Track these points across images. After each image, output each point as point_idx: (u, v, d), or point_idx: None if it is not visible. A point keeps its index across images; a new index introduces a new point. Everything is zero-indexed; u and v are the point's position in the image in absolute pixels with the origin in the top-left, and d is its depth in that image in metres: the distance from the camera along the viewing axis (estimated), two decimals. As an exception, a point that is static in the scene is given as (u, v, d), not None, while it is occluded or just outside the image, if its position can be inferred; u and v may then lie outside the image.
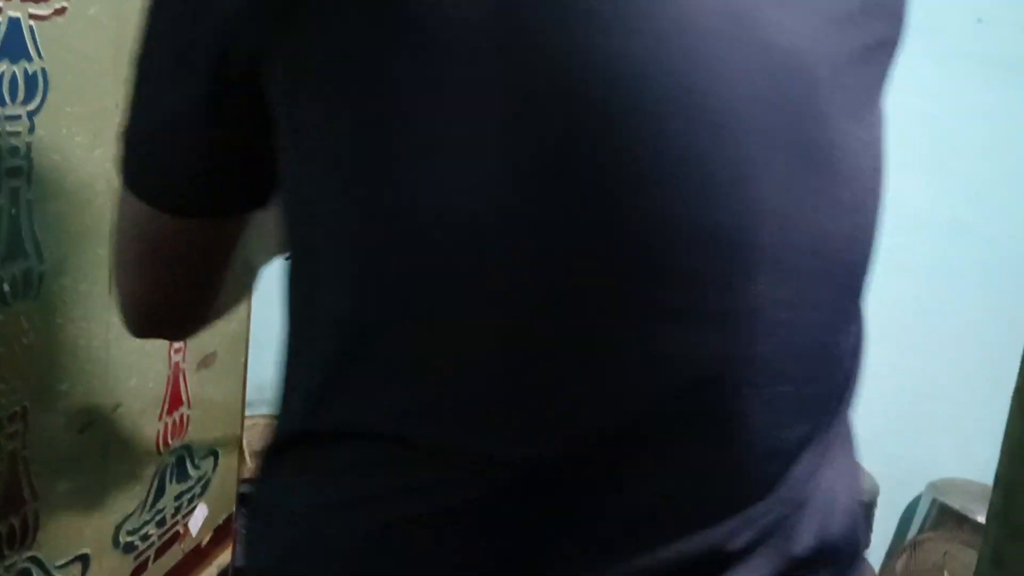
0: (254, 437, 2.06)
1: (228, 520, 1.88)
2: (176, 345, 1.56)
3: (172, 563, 1.66)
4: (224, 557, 1.89)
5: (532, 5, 0.52)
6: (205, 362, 1.68)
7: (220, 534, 1.85)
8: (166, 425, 1.57)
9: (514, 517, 0.58)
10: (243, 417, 1.92)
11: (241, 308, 1.81)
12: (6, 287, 1.11)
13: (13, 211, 1.11)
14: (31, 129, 1.11)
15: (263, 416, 2.17)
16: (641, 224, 0.54)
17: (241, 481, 1.92)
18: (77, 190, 1.23)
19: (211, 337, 1.69)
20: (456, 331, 0.57)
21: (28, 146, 1.11)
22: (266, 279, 1.99)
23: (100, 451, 1.38)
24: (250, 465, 1.97)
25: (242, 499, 1.94)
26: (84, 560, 1.37)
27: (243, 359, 1.86)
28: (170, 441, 1.59)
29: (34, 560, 1.25)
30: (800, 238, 0.59)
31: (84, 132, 1.21)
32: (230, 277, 0.84)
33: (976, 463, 1.94)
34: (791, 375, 0.60)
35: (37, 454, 1.21)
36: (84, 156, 1.22)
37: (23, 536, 1.22)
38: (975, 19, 2.03)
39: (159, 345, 1.52)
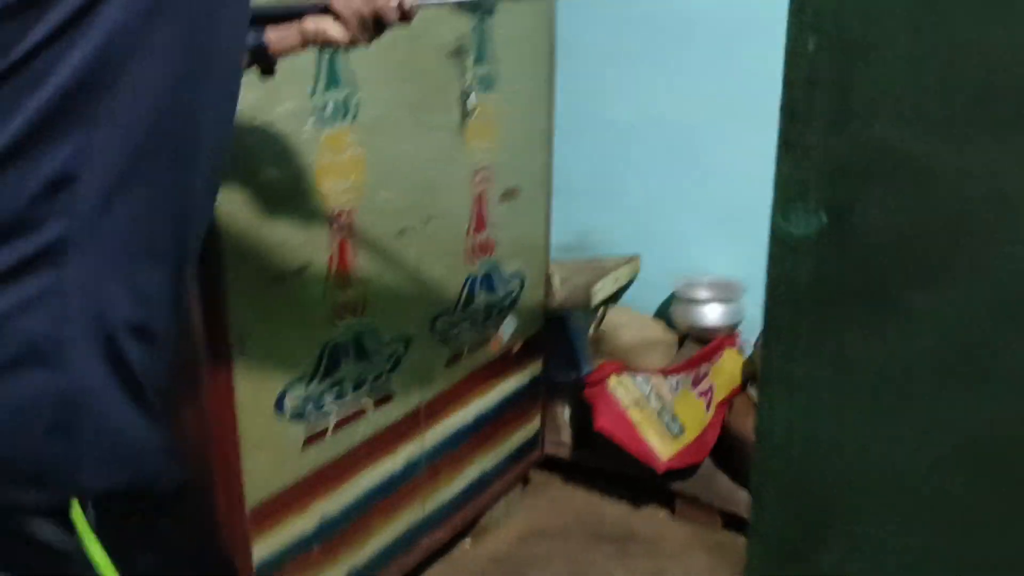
0: (566, 275, 2.32)
1: (538, 337, 2.19)
2: (480, 176, 1.87)
3: (485, 361, 2.01)
4: (535, 368, 2.21)
5: None
6: (508, 195, 1.97)
7: (531, 348, 2.17)
8: (473, 243, 1.89)
9: None
10: (547, 251, 2.20)
11: (542, 150, 2.07)
12: (329, 109, 1.46)
13: (330, 49, 1.45)
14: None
15: (575, 261, 2.43)
16: None
17: (547, 309, 2.22)
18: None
19: (514, 173, 1.97)
20: None
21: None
22: (565, 128, 2.23)
23: (415, 253, 1.73)
24: (560, 295, 2.25)
25: (548, 323, 2.23)
26: (406, 340, 1.75)
27: (545, 198, 2.13)
28: (476, 258, 1.91)
29: (365, 328, 1.64)
30: None
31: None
32: None
33: None
34: None
35: (361, 246, 1.58)
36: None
37: (356, 307, 1.61)
38: None
39: (465, 170, 1.83)
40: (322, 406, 1.58)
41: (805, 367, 0.50)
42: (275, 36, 1.08)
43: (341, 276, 1.56)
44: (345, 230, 1.54)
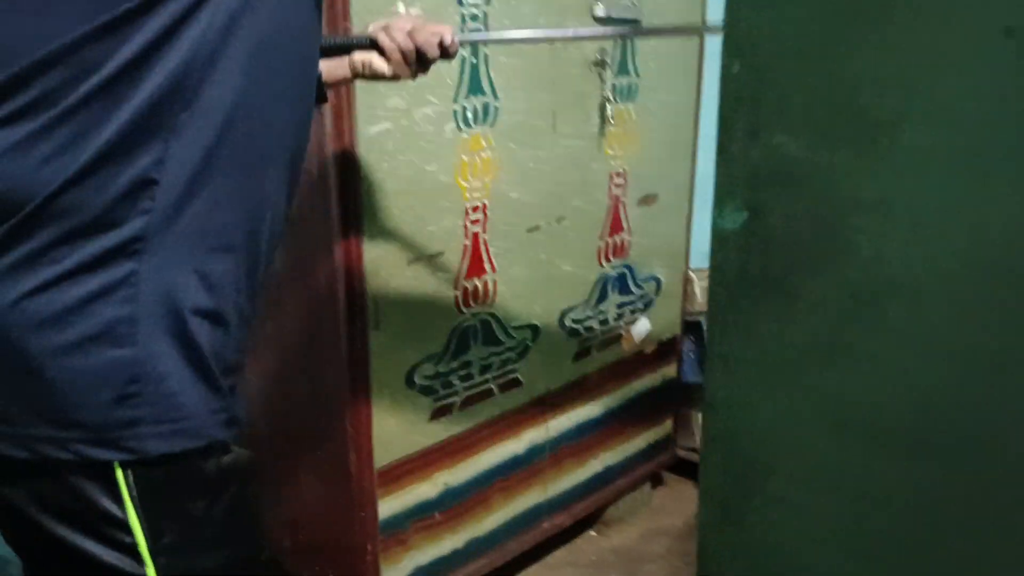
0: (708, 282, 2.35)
1: (673, 340, 2.25)
2: (616, 180, 1.96)
3: (616, 359, 2.09)
4: (669, 371, 2.27)
5: None
6: (646, 200, 2.05)
7: (666, 351, 2.23)
8: (607, 244, 1.98)
9: None
10: (687, 257, 2.25)
11: (685, 159, 2.13)
12: (469, 113, 1.61)
13: (474, 60, 1.59)
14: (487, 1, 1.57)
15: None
16: None
17: (687, 313, 2.27)
18: (525, 50, 1.68)
19: (653, 180, 2.04)
20: None
21: (485, 15, 1.58)
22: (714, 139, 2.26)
23: (546, 250, 1.85)
24: (699, 300, 2.29)
25: (688, 327, 2.28)
26: (534, 330, 1.87)
27: (687, 205, 2.18)
28: (611, 258, 2.01)
29: (494, 316, 1.78)
30: None
31: (532, 3, 1.64)
32: None
33: None
34: None
35: (493, 239, 1.72)
36: (531, 23, 1.66)
37: (485, 295, 1.75)
38: None
39: (601, 176, 1.92)
40: (450, 384, 1.73)
41: (736, 344, 0.57)
42: (326, 67, 1.19)
43: (472, 265, 1.70)
44: (478, 224, 1.69)
